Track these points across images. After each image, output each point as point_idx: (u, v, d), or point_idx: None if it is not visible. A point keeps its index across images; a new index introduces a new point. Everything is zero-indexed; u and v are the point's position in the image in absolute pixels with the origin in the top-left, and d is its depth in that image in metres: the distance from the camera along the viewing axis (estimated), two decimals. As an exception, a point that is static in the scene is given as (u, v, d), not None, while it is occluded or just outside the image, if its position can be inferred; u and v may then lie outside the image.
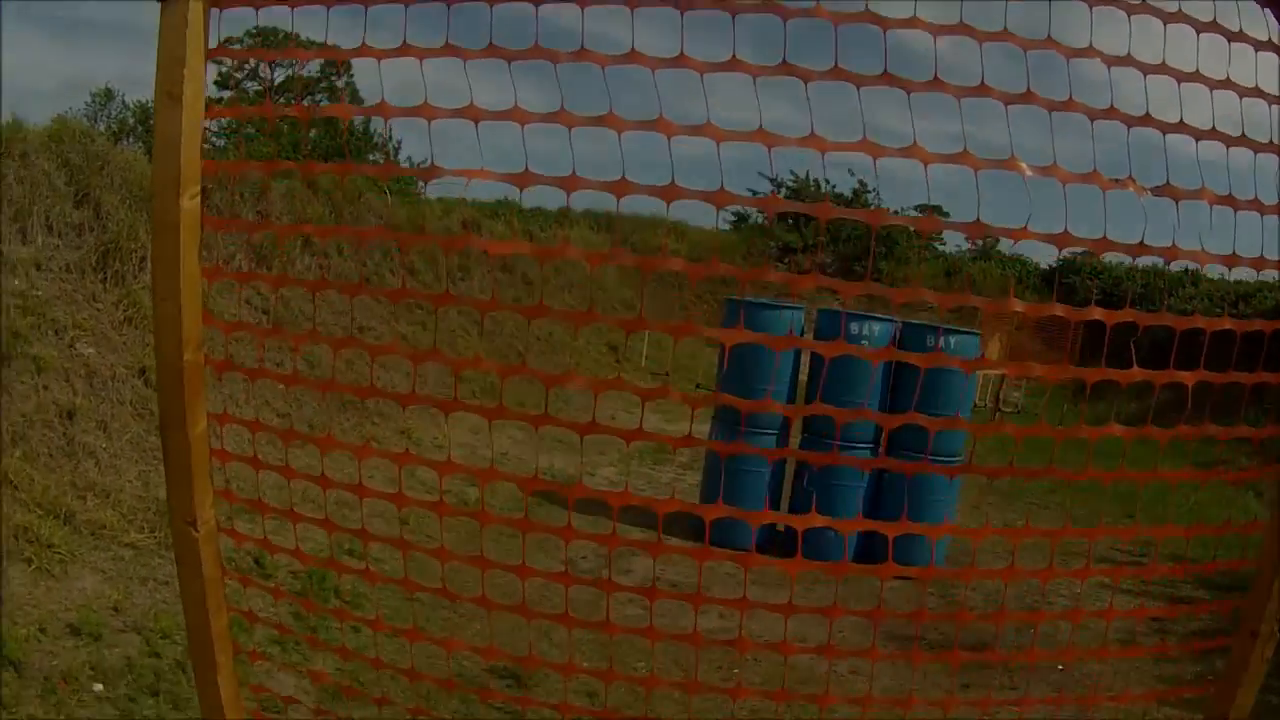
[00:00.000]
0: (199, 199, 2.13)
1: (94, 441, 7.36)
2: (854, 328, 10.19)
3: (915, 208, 28.62)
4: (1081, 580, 2.57)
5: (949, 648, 2.49)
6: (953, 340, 10.28)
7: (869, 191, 29.39)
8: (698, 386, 18.73)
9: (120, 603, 6.13)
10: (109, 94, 31.48)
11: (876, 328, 10.22)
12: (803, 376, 11.21)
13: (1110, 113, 2.02)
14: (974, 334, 11.52)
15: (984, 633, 3.01)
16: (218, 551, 2.39)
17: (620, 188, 2.01)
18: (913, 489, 8.64)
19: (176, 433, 2.25)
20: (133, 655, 5.69)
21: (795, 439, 10.66)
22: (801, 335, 11.14)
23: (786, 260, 27.80)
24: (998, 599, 7.94)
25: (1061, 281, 24.45)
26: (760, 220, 30.35)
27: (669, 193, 1.99)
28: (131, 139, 26.24)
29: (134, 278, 8.76)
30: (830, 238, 27.62)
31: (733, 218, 31.32)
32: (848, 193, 29.41)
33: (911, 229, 29.54)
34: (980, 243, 32.02)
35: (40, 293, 7.80)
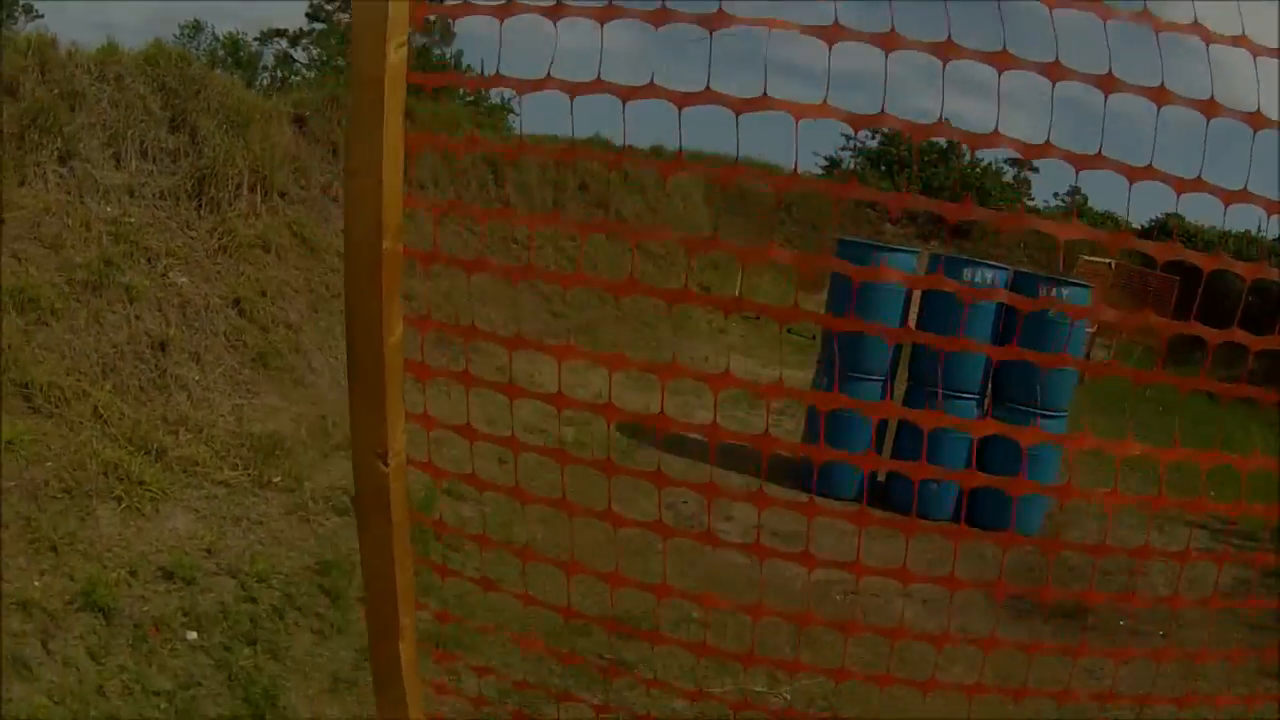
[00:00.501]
0: (406, 51, 1.71)
1: (186, 374, 7.11)
2: (967, 273, 9.59)
3: (1007, 160, 27.71)
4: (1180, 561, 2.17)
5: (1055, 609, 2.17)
6: (1064, 291, 9.70)
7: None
8: (789, 330, 18.26)
9: (214, 544, 5.87)
10: (198, 26, 31.51)
11: (990, 274, 9.62)
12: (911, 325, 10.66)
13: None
14: (1085, 285, 10.90)
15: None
16: (406, 490, 1.98)
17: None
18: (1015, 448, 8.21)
19: (368, 340, 1.89)
20: (227, 601, 5.42)
21: (900, 388, 10.16)
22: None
23: (877, 207, 26.94)
24: (1097, 561, 7.42)
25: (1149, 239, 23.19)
26: (853, 166, 29.61)
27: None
28: (222, 71, 26.20)
29: (229, 205, 8.47)
30: (922, 187, 26.71)
31: (825, 163, 30.56)
32: (943, 142, 28.42)
33: (1007, 170, 28.48)
34: (1070, 198, 30.95)
35: (133, 219, 7.53)
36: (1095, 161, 1.66)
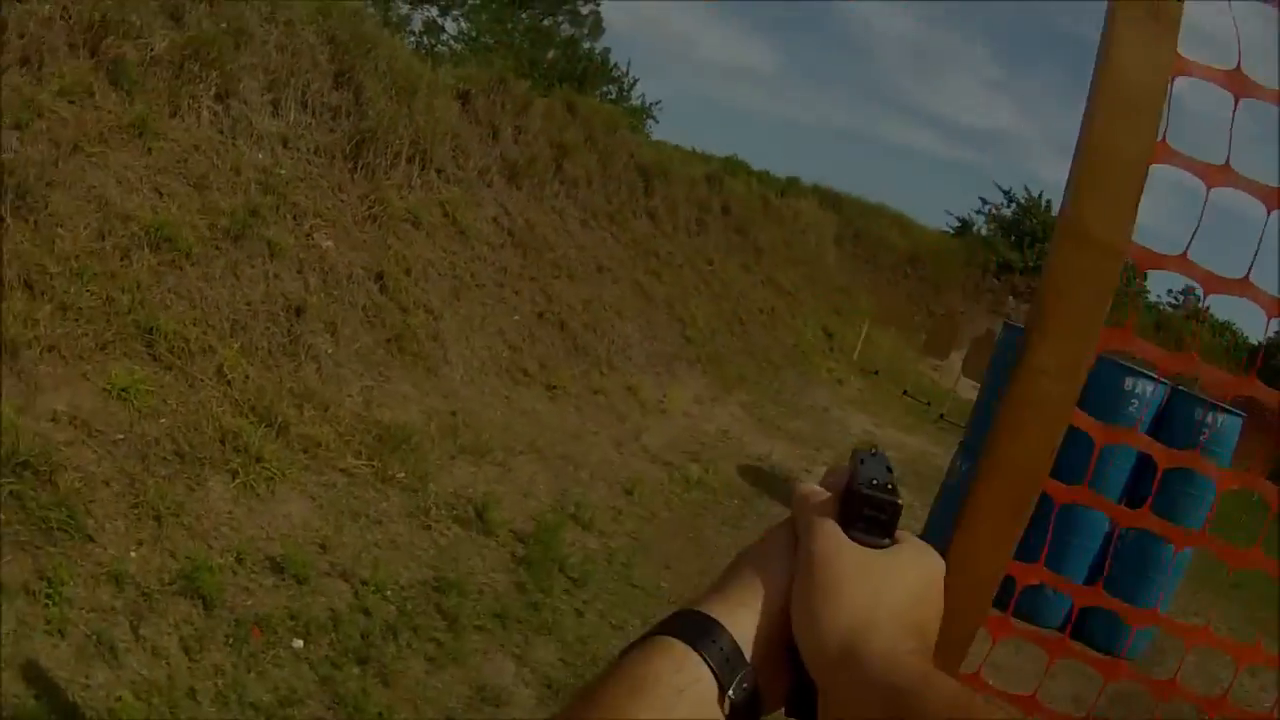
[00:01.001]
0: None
1: (319, 345, 6.47)
2: (1128, 382, 8.47)
3: None
4: None
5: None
6: (1220, 419, 8.51)
7: None
8: (905, 393, 17.39)
9: (329, 539, 5.19)
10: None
11: (1149, 388, 8.47)
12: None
13: None
14: (1239, 414, 9.47)
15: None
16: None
17: None
18: (1140, 566, 7.50)
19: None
20: (339, 609, 4.71)
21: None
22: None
23: (1003, 278, 25.79)
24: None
25: (1265, 361, 21.35)
26: (984, 231, 28.53)
27: None
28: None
29: (384, 174, 7.89)
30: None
31: (957, 223, 29.44)
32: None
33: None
34: (1185, 298, 29.33)
35: (284, 171, 6.95)
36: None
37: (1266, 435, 15.24)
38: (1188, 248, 1.12)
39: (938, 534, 1.00)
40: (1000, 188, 29.14)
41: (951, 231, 28.93)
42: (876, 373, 18.02)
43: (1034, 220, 27.30)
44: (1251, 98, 1.09)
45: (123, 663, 3.70)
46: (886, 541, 0.81)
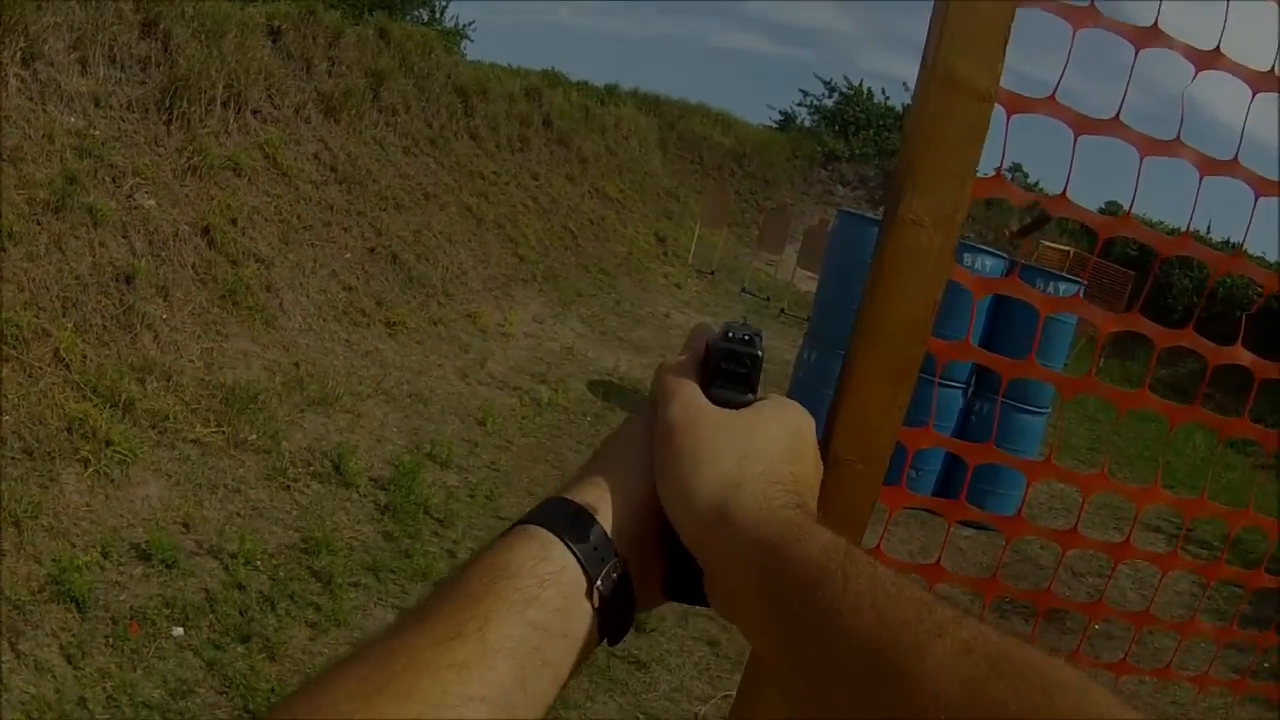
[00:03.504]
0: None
1: (153, 312, 6.31)
2: (966, 258, 9.11)
3: None
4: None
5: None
6: (1061, 287, 9.42)
7: None
8: (743, 290, 17.76)
9: (191, 516, 5.16)
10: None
11: (990, 261, 9.17)
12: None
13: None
14: (1077, 281, 10.70)
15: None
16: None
17: None
18: (999, 435, 7.97)
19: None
20: (212, 588, 4.73)
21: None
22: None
23: (830, 168, 26.31)
24: (1068, 560, 7.15)
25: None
26: (808, 123, 28.93)
27: None
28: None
29: (200, 122, 7.62)
30: (876, 150, 26.10)
31: (779, 117, 29.79)
32: (899, 107, 27.89)
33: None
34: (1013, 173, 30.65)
35: (98, 132, 6.66)
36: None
37: (1107, 300, 16.27)
38: (1055, 90, 1.11)
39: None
40: (821, 79, 29.38)
41: (775, 125, 29.24)
42: (713, 273, 18.33)
43: (856, 109, 27.76)
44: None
45: (8, 684, 3.67)
46: (750, 397, 0.77)
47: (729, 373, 0.77)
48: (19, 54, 6.21)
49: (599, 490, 0.72)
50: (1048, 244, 19.66)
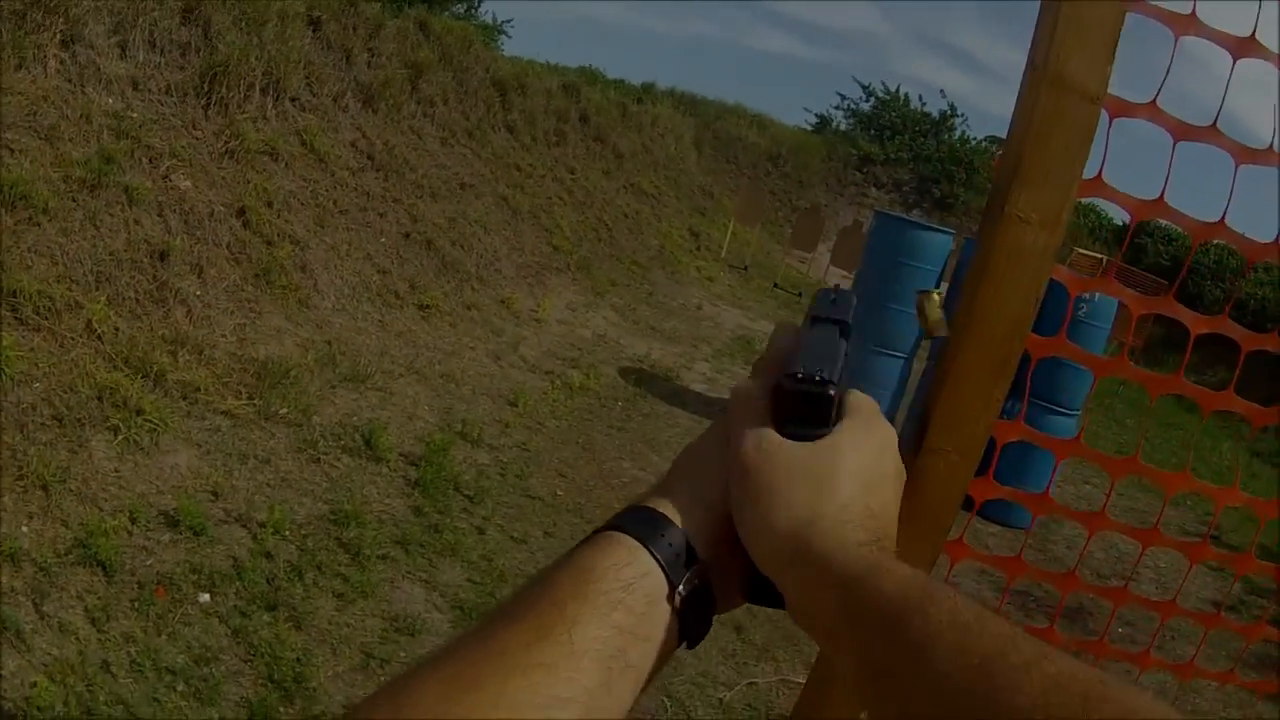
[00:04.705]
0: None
1: (187, 288, 6.37)
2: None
3: (986, 138, 27.14)
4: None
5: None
6: (1096, 296, 9.30)
7: (957, 116, 27.72)
8: (775, 286, 17.73)
9: (220, 485, 5.20)
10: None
11: None
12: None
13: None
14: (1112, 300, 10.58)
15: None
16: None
17: None
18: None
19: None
20: (240, 556, 4.76)
21: (920, 363, 9.60)
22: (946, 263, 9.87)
23: (865, 170, 26.22)
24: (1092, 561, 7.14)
25: (1133, 240, 22.77)
26: (843, 126, 28.87)
27: None
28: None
29: (238, 107, 7.69)
30: (911, 155, 26.04)
31: (815, 119, 29.72)
32: (935, 114, 27.78)
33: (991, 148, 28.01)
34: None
35: (136, 115, 6.74)
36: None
37: (1142, 305, 16.15)
38: (1157, 95, 1.11)
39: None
40: (859, 83, 29.36)
41: (810, 128, 29.20)
42: (746, 268, 18.31)
43: (892, 113, 27.70)
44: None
45: (31, 645, 3.70)
46: (825, 430, 0.76)
47: (802, 412, 0.76)
48: (59, 35, 6.30)
49: (679, 498, 0.75)
50: (1080, 251, 19.45)
